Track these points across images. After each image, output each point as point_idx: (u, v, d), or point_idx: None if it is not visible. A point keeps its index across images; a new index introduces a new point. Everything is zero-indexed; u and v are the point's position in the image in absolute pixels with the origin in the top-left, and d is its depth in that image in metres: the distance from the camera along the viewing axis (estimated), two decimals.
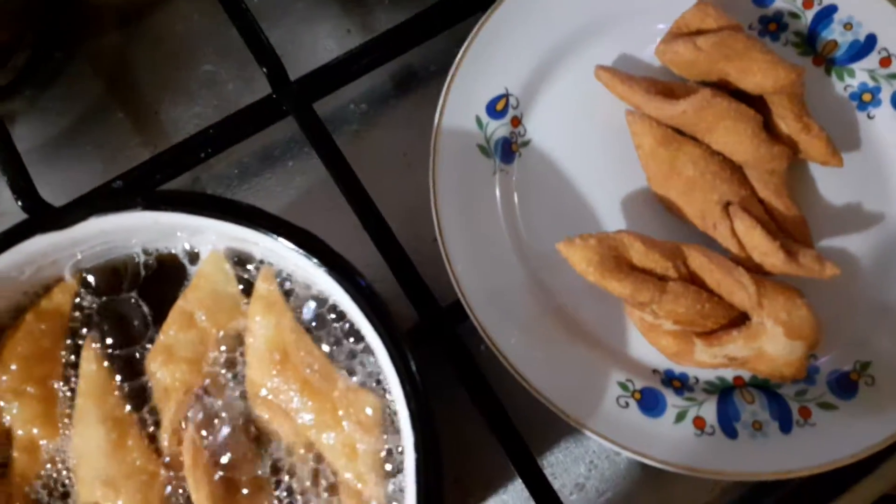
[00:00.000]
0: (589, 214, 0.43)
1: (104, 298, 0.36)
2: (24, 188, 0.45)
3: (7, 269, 0.33)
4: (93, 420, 0.34)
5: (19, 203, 0.45)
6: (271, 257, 0.36)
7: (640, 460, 0.38)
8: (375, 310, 0.32)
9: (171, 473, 0.34)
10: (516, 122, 0.44)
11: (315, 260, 0.32)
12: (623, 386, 0.40)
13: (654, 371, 0.41)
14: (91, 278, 0.36)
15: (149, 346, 0.35)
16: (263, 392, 0.34)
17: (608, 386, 0.40)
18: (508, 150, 0.44)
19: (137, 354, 0.35)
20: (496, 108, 0.44)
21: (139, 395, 0.35)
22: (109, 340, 0.35)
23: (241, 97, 0.54)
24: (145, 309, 0.36)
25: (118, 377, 0.35)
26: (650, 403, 0.39)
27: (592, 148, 0.44)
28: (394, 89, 0.54)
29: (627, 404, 0.39)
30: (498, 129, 0.44)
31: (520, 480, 0.42)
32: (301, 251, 0.32)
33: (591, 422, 0.38)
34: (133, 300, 0.36)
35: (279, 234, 0.33)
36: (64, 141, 0.52)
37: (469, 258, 0.41)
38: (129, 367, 0.35)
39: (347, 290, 0.32)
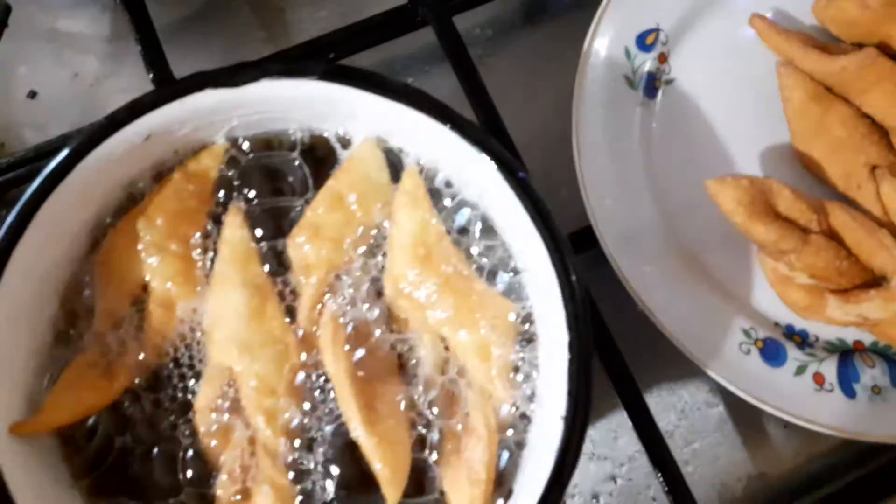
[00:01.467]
0: (725, 162, 0.43)
1: (253, 168, 0.36)
2: (156, 62, 0.45)
3: (170, 121, 0.32)
4: (233, 285, 0.34)
5: (151, 75, 0.45)
6: (425, 154, 0.35)
7: (759, 406, 0.38)
8: (536, 204, 0.31)
9: (305, 351, 0.34)
10: (663, 58, 0.44)
11: (478, 150, 0.32)
12: (746, 333, 0.39)
13: (776, 324, 0.40)
14: (245, 145, 0.35)
15: (293, 220, 0.35)
16: (402, 283, 0.34)
17: (731, 331, 0.39)
18: (652, 85, 0.43)
19: (281, 228, 0.35)
20: (646, 41, 0.43)
21: (277, 270, 0.35)
22: (254, 211, 0.35)
23: (365, 7, 0.53)
24: (293, 184, 0.36)
25: (259, 248, 0.35)
26: (772, 353, 0.39)
27: (736, 96, 0.43)
28: (522, 19, 0.53)
29: (749, 351, 0.39)
30: (645, 62, 0.43)
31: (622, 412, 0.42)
32: (467, 140, 0.32)
33: (713, 364, 0.38)
34: (282, 173, 0.36)
35: (447, 123, 0.32)
36: (188, 25, 0.52)
37: (604, 187, 0.40)
38: (271, 240, 0.35)
39: (509, 183, 0.31)
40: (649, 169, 0.42)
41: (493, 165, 0.32)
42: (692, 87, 0.44)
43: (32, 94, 0.48)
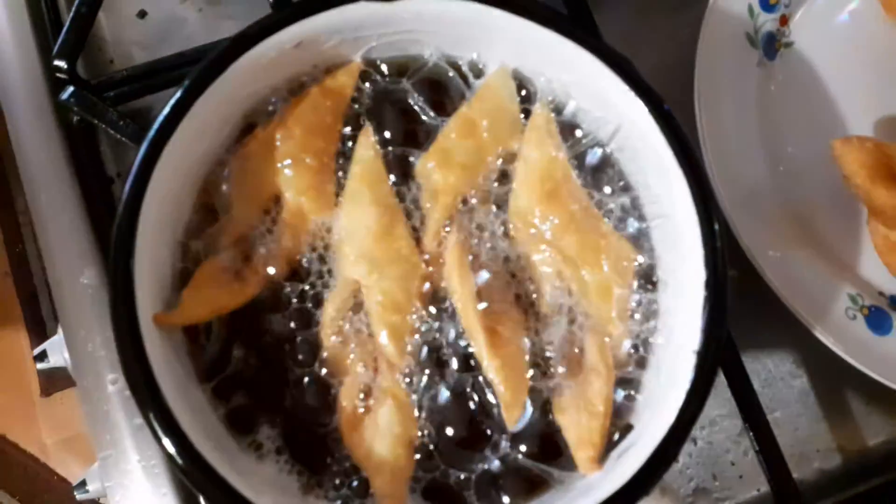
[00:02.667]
0: (841, 129, 0.42)
1: (386, 91, 0.36)
2: None
3: (321, 30, 0.32)
4: (364, 202, 0.34)
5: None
6: (558, 87, 0.35)
7: (864, 372, 0.38)
8: (678, 136, 0.31)
9: (431, 269, 0.34)
10: (784, 20, 0.43)
11: (624, 80, 0.32)
12: (853, 299, 0.39)
13: (881, 293, 0.40)
14: (381, 67, 0.36)
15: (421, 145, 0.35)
16: (526, 216, 0.34)
17: (838, 295, 0.39)
18: (772, 46, 0.43)
19: (409, 152, 0.35)
20: (769, 0, 0.43)
21: (404, 193, 0.35)
22: (386, 133, 0.35)
23: None
24: (426, 109, 0.36)
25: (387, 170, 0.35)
26: (878, 321, 0.39)
27: (856, 67, 0.43)
28: None
29: (855, 317, 0.39)
30: (767, 22, 0.43)
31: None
32: (614, 71, 0.32)
33: (821, 326, 0.38)
34: (413, 98, 0.36)
35: (595, 52, 0.32)
36: None
37: (723, 141, 0.40)
38: (400, 163, 0.35)
39: (654, 116, 0.31)
40: (764, 129, 0.42)
41: (637, 97, 0.32)
42: (810, 52, 0.43)
43: (142, 14, 0.48)
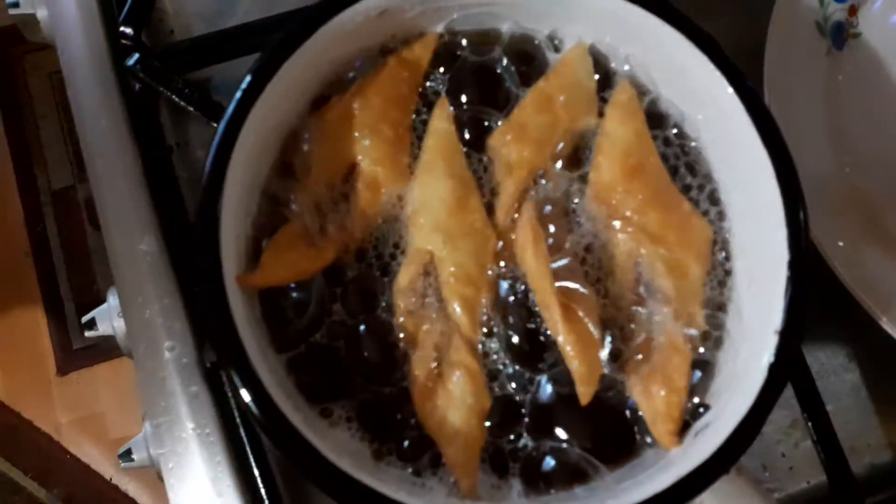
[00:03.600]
0: None
1: (462, 64, 0.36)
2: None
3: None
4: (439, 174, 0.34)
5: None
6: (637, 64, 0.35)
7: None
8: (765, 119, 0.31)
9: (501, 247, 0.34)
10: (853, 11, 0.43)
11: (708, 59, 0.32)
12: None
13: None
14: (458, 40, 0.36)
15: (495, 118, 0.35)
16: (605, 192, 0.34)
17: None
18: (841, 36, 0.43)
19: (483, 125, 0.35)
20: None
21: (476, 167, 0.35)
22: (460, 105, 0.35)
23: None
24: (498, 83, 0.36)
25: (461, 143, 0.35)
26: None
27: None
28: None
29: None
30: (836, 12, 0.43)
31: None
32: (700, 48, 0.32)
33: (887, 317, 0.38)
34: (488, 71, 0.36)
35: (681, 28, 0.32)
36: None
37: (790, 128, 0.39)
38: (474, 136, 0.35)
39: (739, 95, 0.31)
40: (832, 119, 0.42)
41: (723, 76, 0.31)
42: (879, 44, 0.43)
43: None
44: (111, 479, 1.31)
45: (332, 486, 0.28)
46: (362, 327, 0.32)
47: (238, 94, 0.30)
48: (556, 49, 0.36)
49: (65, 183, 1.43)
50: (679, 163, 0.35)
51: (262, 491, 0.38)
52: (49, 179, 1.43)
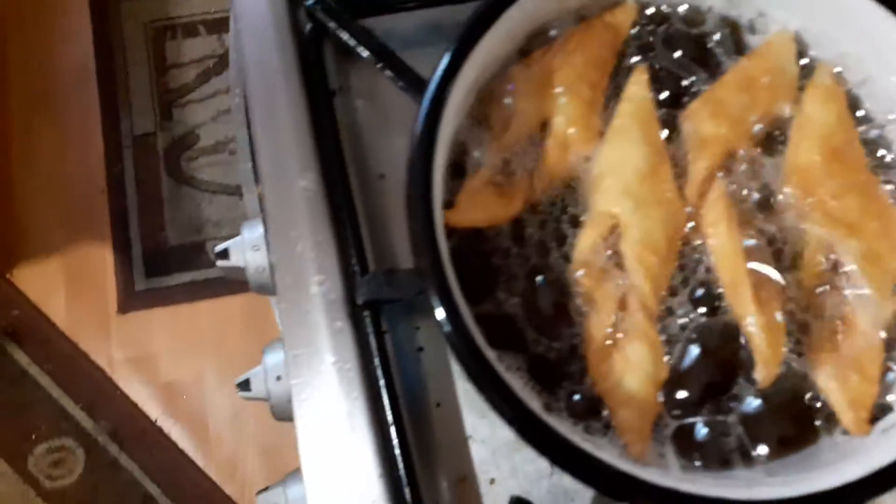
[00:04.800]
0: None
1: (661, 35, 0.36)
2: None
3: None
4: (632, 140, 0.34)
5: None
6: (839, 57, 0.35)
7: None
8: None
9: (689, 222, 0.34)
10: None
11: None
12: None
13: None
14: (660, 10, 0.35)
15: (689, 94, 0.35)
16: (803, 175, 0.33)
17: None
18: None
19: (677, 100, 0.35)
20: None
21: (668, 139, 0.35)
22: (656, 75, 0.35)
23: None
24: (696, 59, 0.35)
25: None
26: None
27: None
28: None
29: None
30: None
31: None
32: None
33: None
34: (687, 46, 0.35)
35: None
36: None
37: None
38: (667, 108, 0.35)
39: None
40: None
41: None
42: None
43: None
44: (156, 420, 1.34)
45: (515, 417, 0.28)
46: (539, 281, 0.33)
47: (455, 42, 0.31)
48: (755, 32, 0.36)
49: (146, 129, 1.47)
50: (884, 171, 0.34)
51: (393, 429, 0.39)
52: (132, 123, 1.47)
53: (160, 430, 1.33)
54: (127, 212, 1.43)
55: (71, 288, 1.39)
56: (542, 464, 0.41)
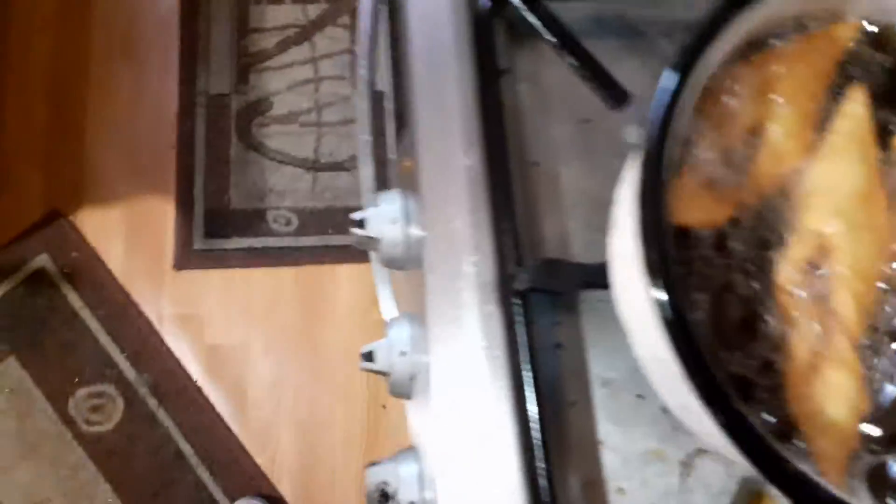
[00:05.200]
0: None
1: (875, 55, 0.34)
2: None
3: None
4: (851, 159, 0.32)
5: None
6: None
7: None
8: None
9: None
10: None
11: None
12: None
13: None
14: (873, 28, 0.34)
15: None
16: None
17: None
18: None
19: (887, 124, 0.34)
20: None
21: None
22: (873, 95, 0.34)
23: None
24: None
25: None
26: None
27: None
28: None
29: None
30: None
31: None
32: None
33: None
34: None
35: None
36: None
37: None
38: (883, 128, 0.34)
39: None
40: None
41: None
42: None
43: None
44: (197, 380, 1.35)
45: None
46: (740, 293, 0.32)
47: (695, 35, 0.30)
48: None
49: (221, 90, 1.48)
50: None
51: (537, 422, 0.38)
52: (208, 82, 1.47)
53: (199, 390, 1.34)
54: (193, 170, 1.44)
55: (130, 238, 1.40)
56: (673, 480, 0.40)
